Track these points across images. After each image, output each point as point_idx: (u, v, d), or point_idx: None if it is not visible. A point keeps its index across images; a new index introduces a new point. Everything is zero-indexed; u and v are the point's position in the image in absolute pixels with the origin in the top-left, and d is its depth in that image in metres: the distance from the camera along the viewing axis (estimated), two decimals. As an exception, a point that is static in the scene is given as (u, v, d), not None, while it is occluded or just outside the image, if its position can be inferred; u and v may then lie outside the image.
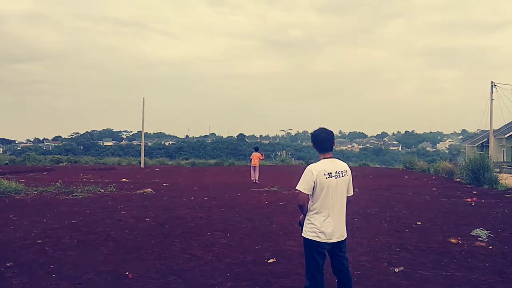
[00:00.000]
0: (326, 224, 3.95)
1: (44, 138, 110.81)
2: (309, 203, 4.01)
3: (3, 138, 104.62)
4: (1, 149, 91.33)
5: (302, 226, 4.16)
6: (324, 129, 4.14)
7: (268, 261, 6.24)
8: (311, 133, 4.25)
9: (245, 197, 13.94)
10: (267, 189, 16.28)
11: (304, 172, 3.99)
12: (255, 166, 19.32)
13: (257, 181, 18.89)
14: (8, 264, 5.90)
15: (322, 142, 4.08)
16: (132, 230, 8.40)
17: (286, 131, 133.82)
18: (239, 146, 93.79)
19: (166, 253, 6.71)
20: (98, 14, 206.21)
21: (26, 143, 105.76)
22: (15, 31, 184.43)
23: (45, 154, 63.27)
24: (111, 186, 16.13)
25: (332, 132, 4.19)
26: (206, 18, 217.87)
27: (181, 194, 14.43)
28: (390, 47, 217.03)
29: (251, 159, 19.79)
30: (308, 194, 3.95)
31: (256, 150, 20.13)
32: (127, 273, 5.63)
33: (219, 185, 18.14)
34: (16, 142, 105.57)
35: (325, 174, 3.93)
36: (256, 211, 10.78)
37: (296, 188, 4.00)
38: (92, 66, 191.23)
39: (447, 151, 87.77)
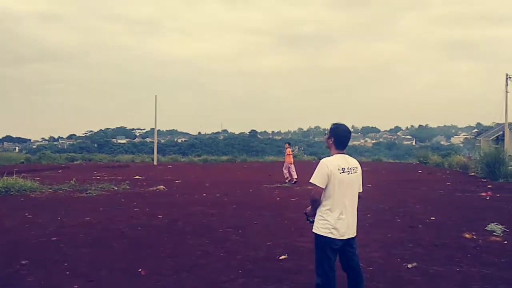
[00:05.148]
0: (339, 220, 3.91)
1: (59, 136, 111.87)
2: (321, 198, 3.99)
3: (19, 137, 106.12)
4: (17, 147, 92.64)
5: (308, 218, 4.15)
6: (347, 127, 4.15)
7: (280, 258, 6.24)
8: (333, 126, 4.12)
9: (257, 193, 13.96)
10: (279, 185, 16.26)
11: (319, 165, 3.95)
12: (291, 163, 17.34)
13: (293, 179, 17.03)
14: (23, 262, 5.98)
15: (343, 140, 4.06)
16: (145, 227, 8.47)
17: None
18: (251, 142, 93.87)
19: (179, 249, 6.75)
20: (111, 13, 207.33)
21: (41, 141, 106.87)
22: (29, 31, 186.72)
23: (60, 152, 64.04)
24: (124, 184, 16.27)
25: (350, 131, 4.21)
26: (218, 15, 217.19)
27: (193, 191, 14.50)
28: (403, 41, 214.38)
29: (287, 155, 17.55)
30: (322, 188, 3.91)
31: (290, 144, 18.52)
32: (140, 270, 5.67)
33: (231, 182, 18.18)
34: (32, 140, 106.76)
35: (339, 169, 3.90)
36: (268, 207, 10.78)
37: (310, 181, 3.94)
38: (105, 64, 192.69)
39: (461, 145, 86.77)
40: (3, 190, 13.32)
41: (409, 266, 5.77)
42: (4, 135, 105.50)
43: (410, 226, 8.38)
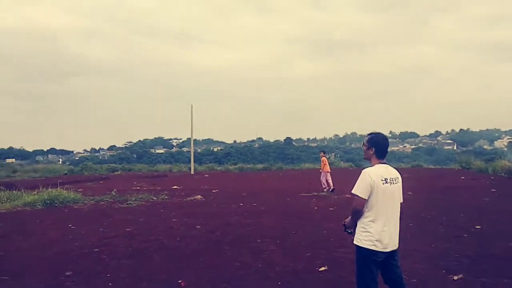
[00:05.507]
0: (383, 232, 3.81)
1: (100, 148, 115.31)
2: (364, 210, 3.90)
3: (62, 149, 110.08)
4: (60, 159, 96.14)
5: (346, 229, 4.07)
6: (385, 135, 4.09)
7: (320, 269, 6.14)
8: (372, 136, 4.03)
9: (294, 202, 13.86)
10: (316, 193, 16.09)
11: (361, 176, 3.86)
12: (328, 172, 17.05)
13: (331, 188, 16.71)
14: (67, 273, 6.15)
15: (383, 149, 3.99)
16: (184, 237, 8.54)
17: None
18: (286, 149, 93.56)
19: (217, 260, 6.76)
20: (149, 28, 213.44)
21: (84, 153, 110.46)
22: (71, 47, 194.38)
23: (101, 163, 66.05)
24: (163, 194, 16.53)
25: (388, 139, 4.15)
26: (251, 25, 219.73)
27: (230, 201, 14.55)
28: (440, 43, 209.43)
29: (324, 164, 17.24)
30: (365, 200, 3.82)
31: (324, 153, 18.27)
32: (179, 281, 5.72)
33: (268, 190, 18.13)
34: (74, 152, 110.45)
35: (382, 180, 3.83)
36: (306, 217, 10.67)
37: (353, 192, 3.85)
38: (143, 77, 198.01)
39: (505, 149, 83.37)
40: (48, 201, 13.79)
41: (455, 278, 5.55)
42: (49, 148, 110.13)
43: (454, 236, 8.07)
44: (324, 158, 17.59)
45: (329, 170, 17.18)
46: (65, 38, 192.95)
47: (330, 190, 16.66)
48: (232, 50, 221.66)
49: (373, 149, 3.96)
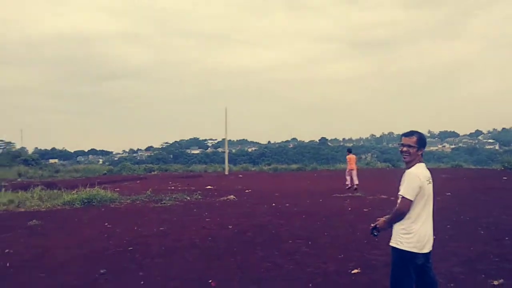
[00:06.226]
0: (423, 233, 3.69)
1: (138, 148, 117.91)
2: None
3: (102, 150, 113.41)
4: (100, 160, 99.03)
5: (373, 231, 3.92)
6: None
7: (352, 272, 6.00)
8: (421, 136, 3.83)
9: (327, 203, 13.67)
10: (350, 194, 15.83)
11: (409, 177, 3.70)
12: (352, 170, 17.51)
13: (356, 186, 17.16)
14: (102, 271, 6.27)
15: (425, 148, 3.88)
16: (216, 237, 8.57)
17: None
18: (321, 150, 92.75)
19: (248, 261, 6.74)
20: (185, 29, 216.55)
21: (122, 153, 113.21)
22: (108, 50, 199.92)
23: (138, 163, 67.55)
24: (196, 194, 16.69)
25: None
26: (286, 24, 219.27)
27: (263, 201, 14.52)
28: (480, 39, 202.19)
29: (349, 162, 17.74)
30: (412, 201, 3.67)
31: (350, 151, 18.51)
32: (210, 281, 5.72)
33: (301, 191, 17.99)
34: (114, 153, 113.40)
35: (427, 180, 3.73)
36: (339, 218, 10.49)
37: (402, 194, 3.69)
38: (179, 78, 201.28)
39: (553, 148, 79.54)
40: (86, 201, 14.19)
41: (495, 283, 5.30)
42: (89, 148, 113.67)
43: (495, 239, 7.72)
44: (349, 156, 17.87)
45: (354, 168, 17.49)
46: (103, 41, 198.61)
47: (351, 188, 17.11)
48: (267, 50, 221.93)
49: (423, 150, 3.82)
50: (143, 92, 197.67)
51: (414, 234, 3.68)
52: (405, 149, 3.81)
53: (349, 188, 17.25)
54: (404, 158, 3.84)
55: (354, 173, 17.36)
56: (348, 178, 17.71)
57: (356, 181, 17.25)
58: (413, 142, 3.80)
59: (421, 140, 3.81)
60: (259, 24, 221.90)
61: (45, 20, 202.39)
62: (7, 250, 7.67)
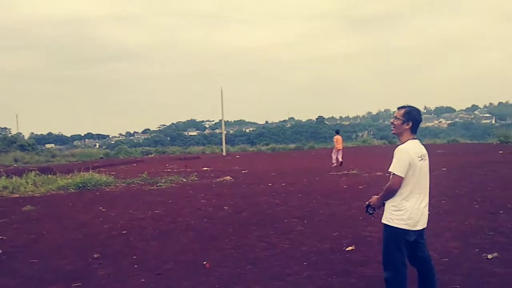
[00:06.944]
0: (416, 211, 3.64)
1: (134, 131, 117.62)
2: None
3: (99, 134, 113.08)
4: (97, 143, 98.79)
5: (368, 210, 3.88)
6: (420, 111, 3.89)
7: (347, 249, 6.00)
8: (410, 108, 3.78)
9: (323, 181, 13.67)
10: (346, 172, 15.83)
11: (398, 153, 3.65)
12: (339, 149, 19.24)
13: (341, 162, 18.91)
14: (95, 255, 6.24)
15: (418, 124, 3.80)
16: (211, 218, 8.55)
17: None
18: (319, 129, 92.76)
19: (243, 241, 6.72)
20: (179, 9, 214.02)
21: (119, 137, 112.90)
22: (102, 33, 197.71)
23: (135, 146, 67.38)
24: (193, 175, 16.65)
25: None
26: (281, 2, 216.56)
27: (259, 181, 14.50)
28: (477, 14, 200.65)
29: (336, 143, 19.43)
30: (403, 178, 3.62)
31: (337, 132, 20.00)
32: (204, 262, 5.70)
33: (297, 170, 18.00)
34: (110, 136, 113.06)
35: (418, 157, 3.66)
36: (334, 196, 10.49)
37: (391, 170, 3.65)
38: (174, 59, 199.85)
39: (549, 121, 79.68)
40: (80, 185, 14.12)
41: (489, 257, 5.29)
42: (86, 132, 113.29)
43: (490, 213, 7.73)
44: (336, 137, 19.48)
45: (340, 148, 19.30)
46: (97, 23, 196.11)
47: (338, 165, 18.72)
48: (262, 29, 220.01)
49: (410, 124, 3.74)
50: (138, 74, 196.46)
51: (406, 211, 3.63)
52: (392, 120, 3.87)
53: (336, 165, 18.73)
54: (392, 130, 3.88)
55: (340, 152, 19.25)
56: (334, 157, 19.27)
57: (340, 159, 19.00)
58: (400, 115, 3.77)
59: (408, 114, 3.75)
60: (255, 3, 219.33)
61: (37, 4, 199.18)
62: (0, 237, 7.62)
